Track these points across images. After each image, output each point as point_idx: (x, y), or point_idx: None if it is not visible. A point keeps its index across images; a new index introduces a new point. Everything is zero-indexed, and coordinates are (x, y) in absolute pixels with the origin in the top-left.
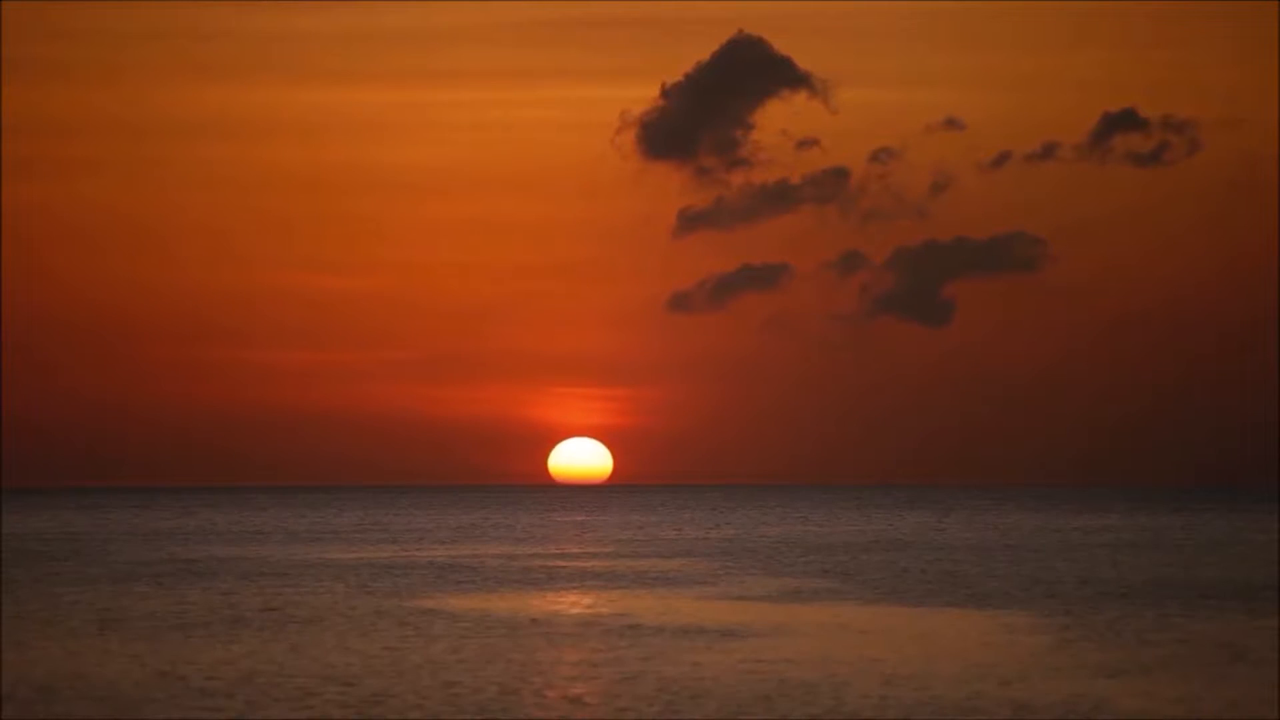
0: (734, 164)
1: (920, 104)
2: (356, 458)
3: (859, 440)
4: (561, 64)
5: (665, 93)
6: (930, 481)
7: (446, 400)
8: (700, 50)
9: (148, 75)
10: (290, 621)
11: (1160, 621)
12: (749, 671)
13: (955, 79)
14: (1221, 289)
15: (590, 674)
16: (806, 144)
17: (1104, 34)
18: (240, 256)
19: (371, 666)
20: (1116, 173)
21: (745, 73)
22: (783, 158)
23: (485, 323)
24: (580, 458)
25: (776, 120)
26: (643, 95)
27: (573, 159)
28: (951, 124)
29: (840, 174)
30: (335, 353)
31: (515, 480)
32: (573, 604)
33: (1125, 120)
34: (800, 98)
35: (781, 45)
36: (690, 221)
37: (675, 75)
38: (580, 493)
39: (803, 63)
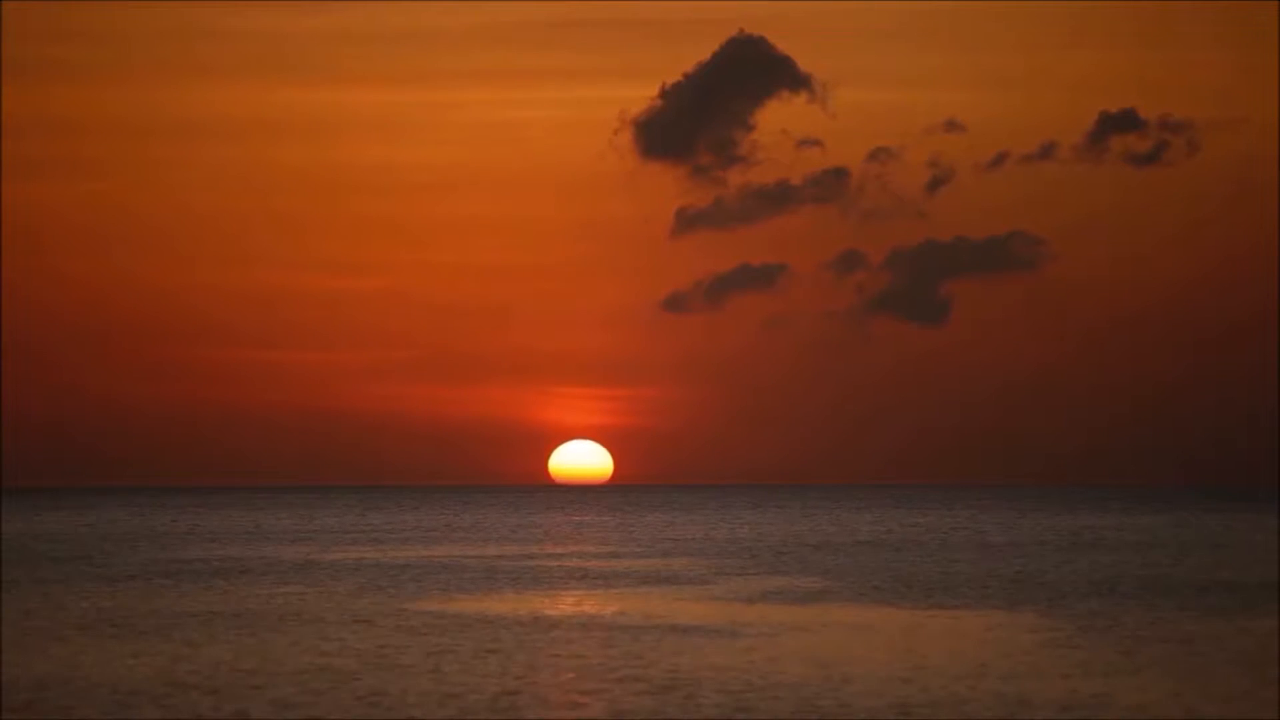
0: (733, 164)
1: (918, 104)
2: (356, 458)
3: (858, 440)
4: (561, 64)
5: (665, 93)
6: (930, 481)
7: (447, 400)
8: (700, 50)
9: (152, 75)
10: (290, 621)
11: (1159, 621)
12: (749, 671)
13: (953, 79)
14: (1219, 289)
15: (590, 674)
16: (805, 144)
17: (1102, 35)
18: (239, 257)
19: (371, 666)
20: (1114, 173)
21: (744, 73)
22: (781, 158)
23: (485, 323)
24: (581, 460)
25: (775, 120)
26: (642, 95)
27: (573, 159)
28: (950, 124)
29: (838, 174)
30: (335, 352)
31: (516, 481)
32: (573, 604)
33: (1123, 120)
34: (799, 98)
35: (781, 46)
36: (689, 221)
37: (675, 75)
38: (580, 493)
39: (802, 63)
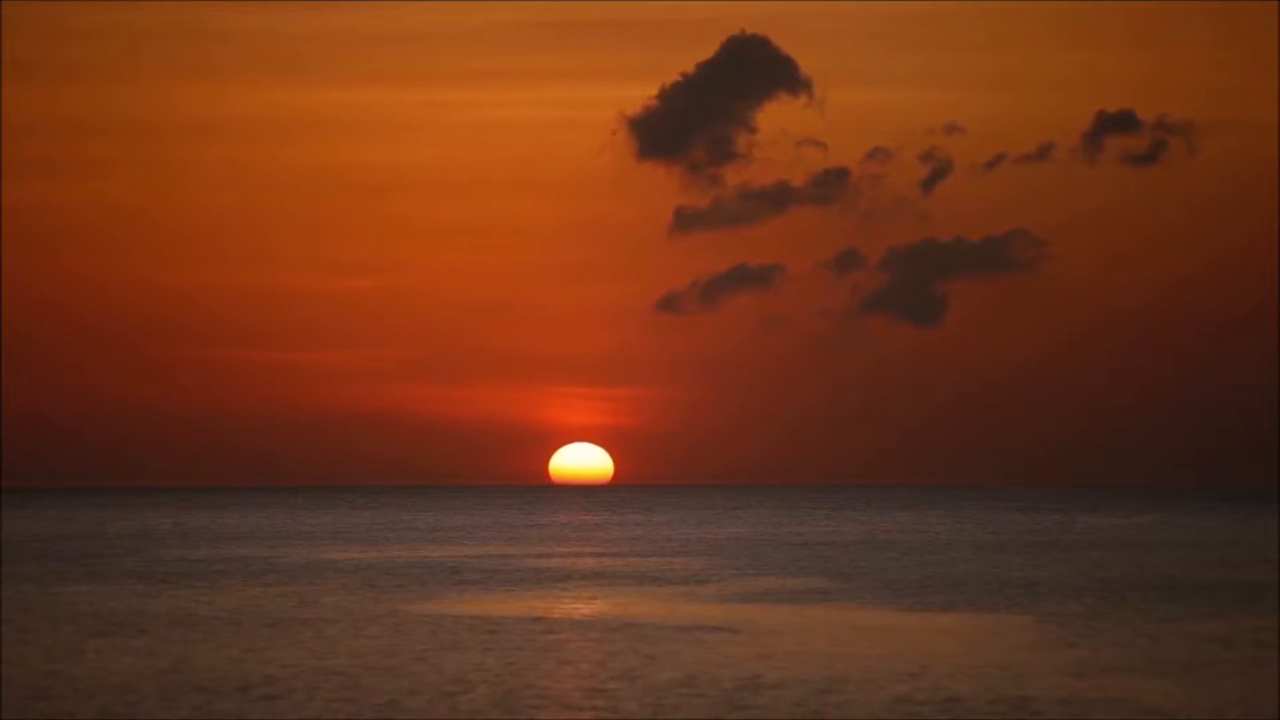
0: (732, 164)
1: (916, 105)
2: (356, 458)
3: (857, 440)
4: (561, 65)
5: (664, 92)
6: (929, 482)
7: (446, 400)
8: (700, 50)
9: (161, 75)
10: (290, 621)
11: (1158, 621)
12: (748, 671)
13: (951, 80)
14: (1217, 289)
15: (590, 674)
16: (804, 144)
17: (1099, 35)
18: (238, 257)
19: (371, 666)
20: (1112, 173)
21: (743, 73)
22: (780, 158)
23: (485, 323)
24: (581, 462)
25: (774, 120)
26: (642, 95)
27: (572, 159)
28: (948, 125)
29: (837, 174)
30: (334, 352)
31: (516, 481)
32: (573, 604)
33: (1120, 121)
34: (798, 98)
35: (780, 46)
36: (688, 221)
37: (674, 75)
38: (580, 493)
39: (800, 63)
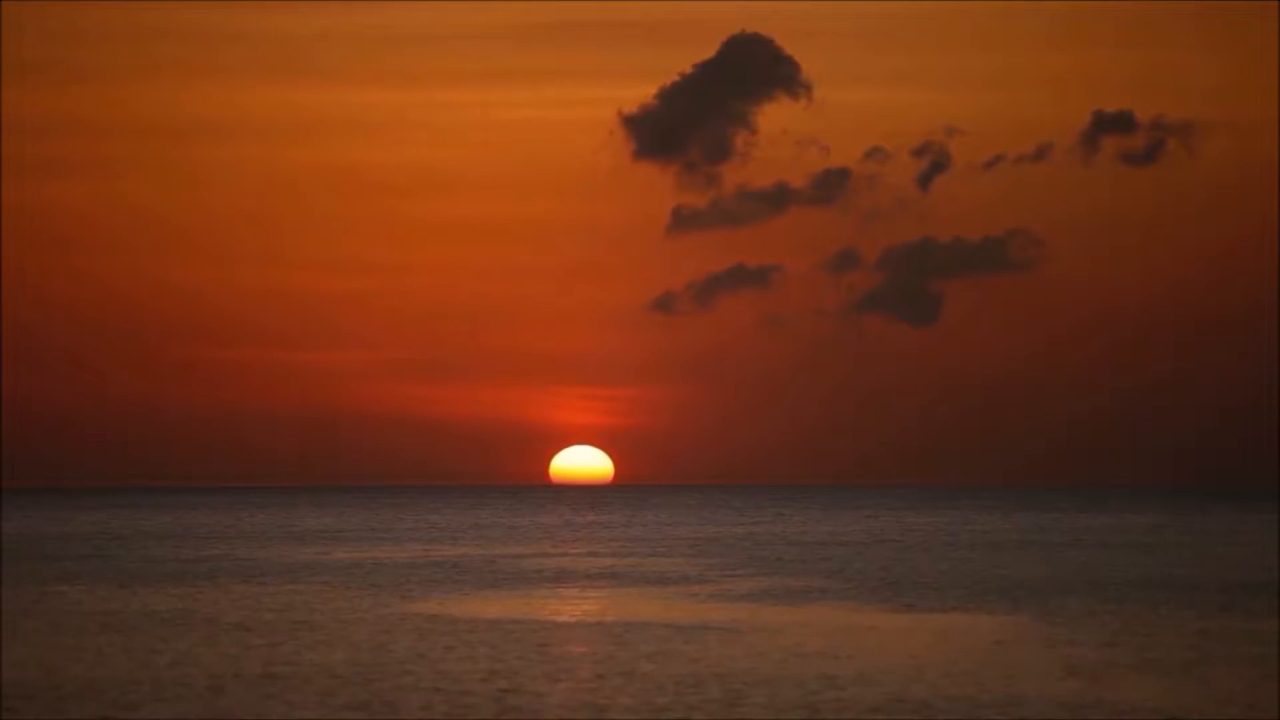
0: (730, 164)
1: (915, 105)
2: (355, 458)
3: (856, 439)
4: (561, 65)
5: (663, 92)
6: (929, 481)
7: (446, 400)
8: (700, 50)
9: (167, 76)
10: (290, 621)
11: (1156, 621)
12: (747, 670)
13: (949, 80)
14: (1215, 289)
15: (590, 674)
16: (802, 144)
17: (1097, 36)
18: (237, 257)
19: (370, 665)
20: (1109, 173)
21: (743, 73)
22: (779, 157)
23: (485, 323)
24: (582, 463)
25: (773, 120)
26: (641, 95)
27: (572, 159)
28: (946, 125)
29: (835, 174)
30: (333, 353)
31: (516, 481)
32: (573, 604)
33: (1118, 121)
34: (796, 98)
35: (779, 46)
36: (686, 221)
37: (673, 75)
38: (580, 494)
39: (800, 63)
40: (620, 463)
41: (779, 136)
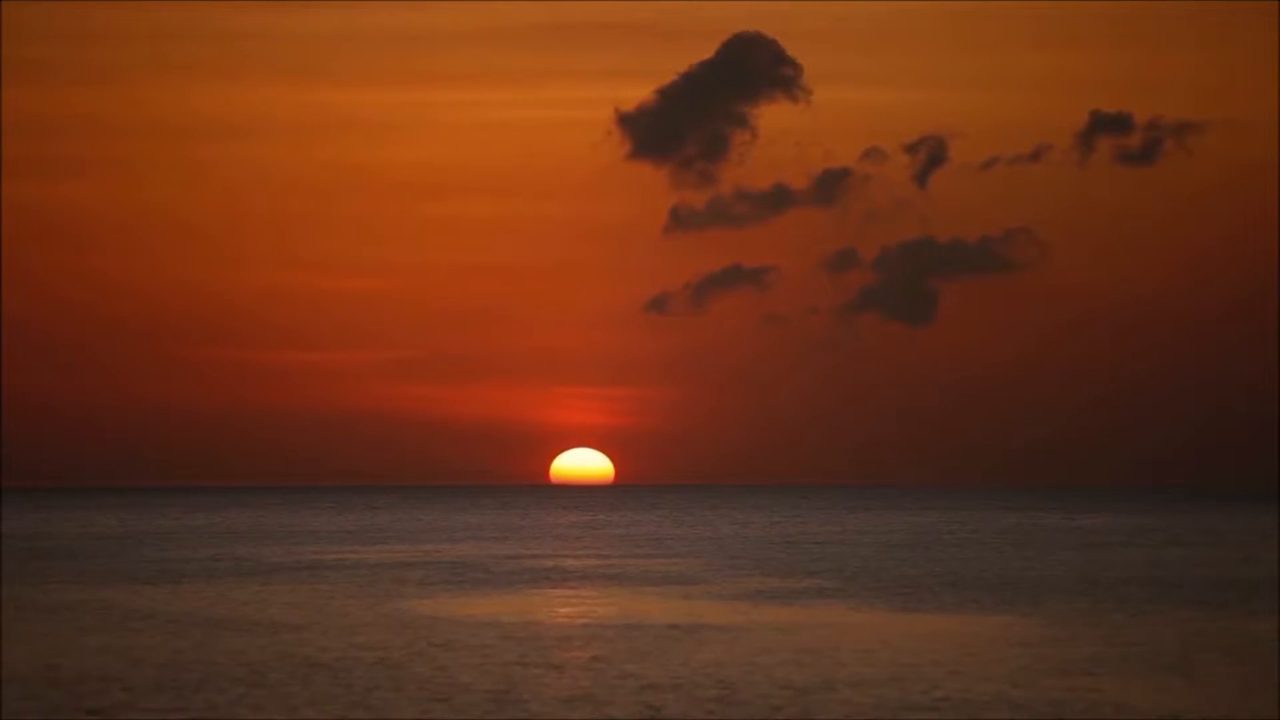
0: (728, 163)
1: (912, 105)
2: (356, 458)
3: (854, 439)
4: (561, 65)
5: (662, 92)
6: (926, 481)
7: (446, 400)
8: (699, 50)
9: (184, 76)
10: (289, 619)
11: (1156, 620)
12: (746, 670)
13: (947, 81)
14: (1212, 287)
15: (590, 674)
16: (801, 144)
17: (1094, 36)
18: (236, 257)
19: (370, 666)
20: (1106, 173)
21: (741, 73)
22: (777, 157)
23: (485, 323)
24: (582, 464)
25: (771, 120)
26: (640, 95)
27: (572, 159)
28: (943, 125)
29: (833, 174)
30: (335, 353)
31: (516, 481)
32: (573, 604)
33: (1114, 121)
34: (795, 98)
35: (778, 46)
36: (684, 221)
37: (672, 75)
38: (580, 494)
39: (798, 63)
40: (620, 463)
41: (777, 136)
